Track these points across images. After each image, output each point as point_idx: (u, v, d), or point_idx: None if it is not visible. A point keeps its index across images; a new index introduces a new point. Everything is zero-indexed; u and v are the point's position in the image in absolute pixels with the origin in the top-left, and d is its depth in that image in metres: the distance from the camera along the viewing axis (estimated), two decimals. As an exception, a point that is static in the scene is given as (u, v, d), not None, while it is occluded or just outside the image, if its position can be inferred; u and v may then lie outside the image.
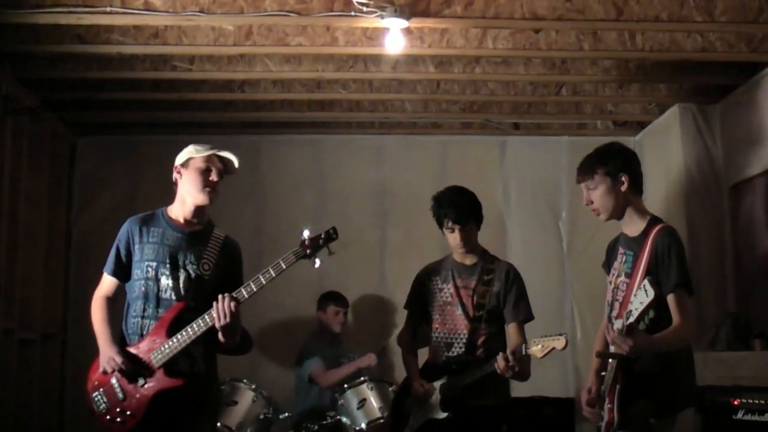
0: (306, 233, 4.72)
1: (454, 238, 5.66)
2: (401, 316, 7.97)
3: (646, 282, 4.27)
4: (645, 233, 4.64)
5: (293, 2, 5.75)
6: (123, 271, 5.00)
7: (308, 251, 4.70)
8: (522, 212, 8.76)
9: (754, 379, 6.03)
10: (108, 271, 5.03)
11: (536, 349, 5.10)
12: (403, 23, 5.78)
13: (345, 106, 8.13)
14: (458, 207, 5.59)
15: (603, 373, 4.59)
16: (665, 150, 7.91)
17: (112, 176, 8.62)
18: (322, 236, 4.71)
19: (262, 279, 4.69)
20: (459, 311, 5.63)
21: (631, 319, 4.28)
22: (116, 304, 5.07)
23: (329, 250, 4.73)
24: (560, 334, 5.07)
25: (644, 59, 6.90)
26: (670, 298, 4.47)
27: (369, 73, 7.01)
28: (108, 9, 5.68)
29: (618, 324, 4.43)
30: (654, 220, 4.73)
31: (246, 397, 6.92)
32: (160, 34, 6.28)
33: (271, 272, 4.69)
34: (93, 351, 5.12)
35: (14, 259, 7.08)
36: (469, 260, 5.75)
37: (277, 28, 6.26)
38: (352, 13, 5.71)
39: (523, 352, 5.19)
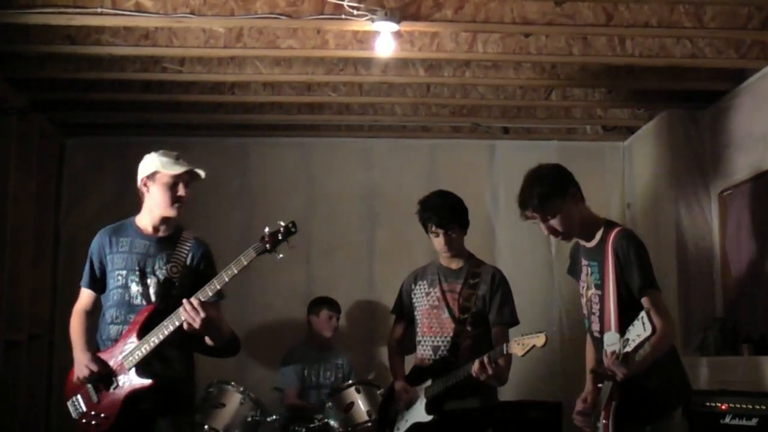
0: (267, 229, 4.80)
1: (438, 242, 5.70)
2: (389, 320, 7.99)
3: (643, 315, 4.17)
4: (603, 240, 4.62)
5: (284, 5, 5.75)
6: (97, 283, 5.09)
7: (268, 246, 4.78)
8: (511, 216, 8.64)
9: (741, 383, 6.05)
10: (84, 284, 5.13)
11: (517, 348, 5.12)
12: (394, 27, 5.79)
13: (335, 109, 8.13)
14: (441, 211, 5.63)
15: (600, 385, 4.55)
16: (654, 155, 7.93)
17: (100, 177, 8.59)
18: (281, 230, 4.80)
19: (225, 276, 4.76)
20: (445, 314, 5.66)
21: (628, 349, 4.23)
22: (94, 316, 5.14)
23: (288, 244, 4.80)
24: (539, 332, 5.09)
25: (634, 64, 6.91)
26: (644, 302, 4.45)
27: (359, 76, 7.01)
28: (99, 10, 5.67)
29: (608, 341, 4.42)
30: (608, 225, 4.71)
31: (233, 400, 6.89)
32: (150, 35, 6.28)
33: (233, 269, 4.76)
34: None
35: (1, 260, 7.06)
36: (455, 264, 5.77)
37: (268, 30, 6.26)
38: (343, 16, 5.71)
39: (504, 352, 5.21)
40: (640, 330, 4.16)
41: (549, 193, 4.66)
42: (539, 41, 6.42)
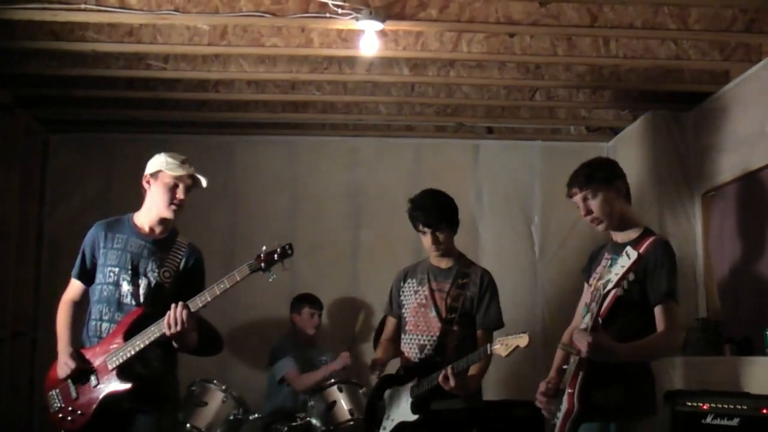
0: (264, 248, 4.83)
1: (426, 240, 5.71)
2: (373, 317, 8.01)
3: (628, 248, 4.33)
4: (637, 241, 4.66)
5: (269, 3, 5.76)
6: (88, 276, 5.11)
7: (262, 265, 4.81)
8: (494, 216, 8.77)
9: (723, 383, 6.07)
10: (74, 275, 5.15)
11: (500, 349, 5.14)
12: (378, 26, 5.79)
13: (319, 108, 8.13)
14: (429, 210, 5.63)
15: (565, 367, 4.63)
16: (638, 156, 7.94)
17: (84, 173, 8.57)
18: (278, 251, 4.84)
19: (216, 289, 4.80)
20: (432, 313, 5.66)
21: (609, 287, 4.34)
22: (82, 308, 5.16)
23: (283, 266, 4.85)
24: (523, 332, 5.11)
25: (618, 65, 6.93)
26: (658, 309, 4.52)
27: (343, 74, 7.01)
28: (83, 6, 5.67)
29: (585, 321, 4.47)
30: (648, 231, 4.78)
31: (216, 398, 6.88)
32: (134, 32, 6.27)
33: (226, 283, 4.80)
34: (61, 350, 5.13)
35: (-15, 257, 7.05)
36: (445, 264, 5.78)
37: (252, 28, 6.25)
38: (328, 15, 5.72)
39: (488, 352, 5.23)
40: (624, 261, 4.31)
41: (595, 175, 4.77)
42: (524, 41, 6.43)
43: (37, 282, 8.34)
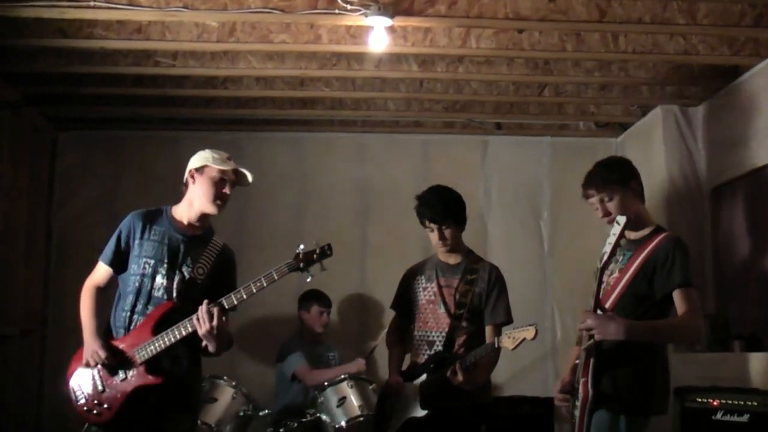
0: (301, 247, 4.78)
1: (433, 236, 5.72)
2: (381, 315, 8.00)
3: (618, 216, 4.50)
4: (649, 237, 4.73)
5: (277, -1, 5.76)
6: (119, 263, 5.01)
7: (301, 265, 4.77)
8: (503, 212, 8.77)
9: (733, 380, 6.06)
10: (105, 260, 5.04)
11: (507, 342, 5.15)
12: (387, 22, 5.79)
13: (327, 104, 8.12)
14: (435, 206, 5.64)
15: (577, 361, 4.65)
16: (647, 152, 7.93)
17: (93, 171, 8.58)
18: (317, 252, 4.79)
19: (253, 287, 4.76)
20: (441, 309, 5.66)
21: (605, 258, 4.51)
22: (107, 295, 5.09)
23: (322, 266, 4.80)
24: (530, 325, 5.11)
25: (627, 61, 6.92)
26: (677, 294, 4.57)
27: (352, 71, 7.00)
28: (91, 3, 5.66)
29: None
30: (660, 229, 4.83)
31: (225, 394, 6.90)
32: (143, 29, 6.26)
33: (263, 281, 4.76)
34: (72, 347, 5.12)
35: (-6, 254, 7.06)
36: (453, 260, 5.78)
37: (261, 25, 6.25)
38: (336, 11, 5.71)
39: (496, 346, 5.24)
40: (615, 229, 4.49)
41: (611, 177, 4.83)
42: (532, 37, 6.41)
43: (46, 279, 8.35)
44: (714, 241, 7.44)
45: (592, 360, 4.51)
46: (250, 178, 5.11)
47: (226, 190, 5.02)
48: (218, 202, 5.00)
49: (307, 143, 8.81)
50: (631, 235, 4.82)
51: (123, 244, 5.01)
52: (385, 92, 7.63)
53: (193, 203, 5.03)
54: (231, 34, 6.28)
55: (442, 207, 5.65)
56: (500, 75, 7.12)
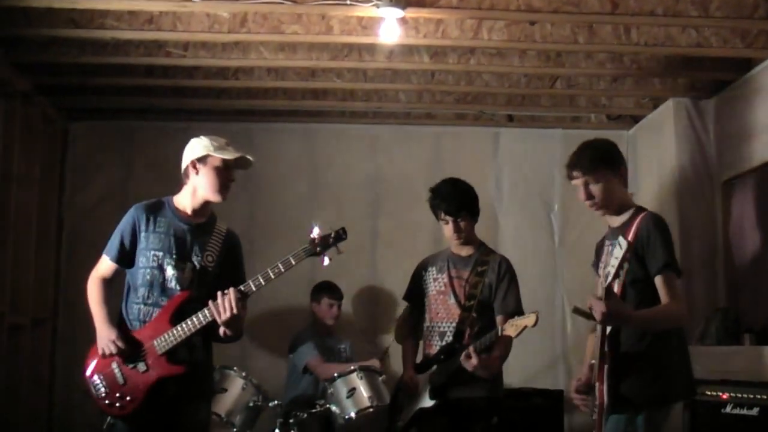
0: (316, 230, 4.82)
1: (447, 229, 5.74)
2: (392, 306, 8.00)
3: (620, 238, 4.35)
4: (630, 220, 4.66)
5: (288, -10, 5.76)
6: (125, 258, 5.00)
7: (318, 249, 4.80)
8: (514, 204, 8.76)
9: (743, 373, 6.05)
10: (110, 256, 5.02)
11: (510, 329, 5.22)
12: (399, 13, 5.79)
13: (339, 96, 8.12)
14: (450, 199, 5.66)
15: (593, 361, 4.59)
16: (658, 144, 7.92)
17: (104, 161, 8.59)
18: (332, 235, 4.83)
19: (271, 273, 4.77)
20: (452, 300, 5.68)
21: (609, 279, 4.33)
22: (113, 285, 5.08)
23: (338, 250, 4.83)
24: (532, 312, 5.19)
25: (639, 53, 6.90)
26: (658, 280, 4.50)
27: (363, 62, 7.00)
28: (103, -6, 5.68)
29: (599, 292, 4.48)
30: (639, 209, 4.76)
31: (236, 385, 6.90)
32: (154, 19, 6.26)
33: (280, 267, 4.77)
34: (83, 337, 5.13)
35: (5, 244, 7.07)
36: (465, 252, 5.80)
37: (272, 15, 6.25)
38: (348, 2, 5.72)
39: (499, 334, 5.29)
40: (618, 252, 4.31)
41: (600, 159, 4.75)
42: (544, 29, 6.41)
43: (57, 270, 8.37)
44: (725, 234, 7.42)
45: (605, 366, 4.46)
46: (252, 160, 5.09)
47: (232, 177, 5.01)
48: (224, 190, 4.99)
49: (318, 134, 8.81)
50: (614, 222, 4.78)
51: (128, 239, 4.99)
52: (396, 84, 7.63)
53: (197, 192, 5.00)
54: (242, 24, 6.28)
55: (458, 199, 5.67)
56: (512, 67, 7.11)
